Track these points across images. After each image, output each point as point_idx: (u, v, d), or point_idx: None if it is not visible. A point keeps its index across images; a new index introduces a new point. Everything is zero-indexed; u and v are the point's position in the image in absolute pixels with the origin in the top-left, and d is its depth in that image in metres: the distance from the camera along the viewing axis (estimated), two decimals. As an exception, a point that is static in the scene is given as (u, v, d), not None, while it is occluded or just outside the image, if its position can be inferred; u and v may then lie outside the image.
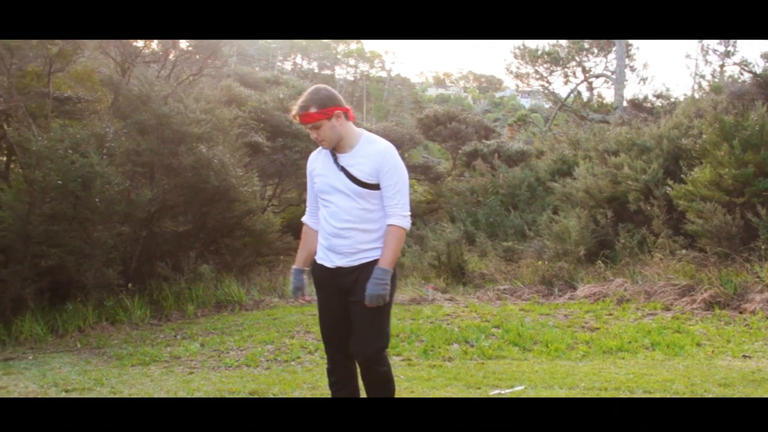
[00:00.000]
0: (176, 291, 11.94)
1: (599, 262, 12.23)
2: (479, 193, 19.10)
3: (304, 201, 4.60)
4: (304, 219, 4.72)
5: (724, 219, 10.74)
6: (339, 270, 4.40)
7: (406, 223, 4.39)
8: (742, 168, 10.92)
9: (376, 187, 4.33)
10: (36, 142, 10.55)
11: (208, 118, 13.09)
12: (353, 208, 4.34)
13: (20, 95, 11.70)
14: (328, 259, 4.46)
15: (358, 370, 4.49)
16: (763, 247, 10.31)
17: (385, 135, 21.18)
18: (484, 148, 23.23)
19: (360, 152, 4.38)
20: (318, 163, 4.53)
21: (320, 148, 4.53)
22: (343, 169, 4.34)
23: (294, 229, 18.75)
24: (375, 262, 4.35)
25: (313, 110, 4.24)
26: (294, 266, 4.67)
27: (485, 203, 18.12)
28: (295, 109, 4.30)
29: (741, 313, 9.32)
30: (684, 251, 11.25)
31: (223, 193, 12.84)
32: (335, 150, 4.41)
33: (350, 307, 4.40)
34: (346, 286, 4.40)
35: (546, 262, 12.87)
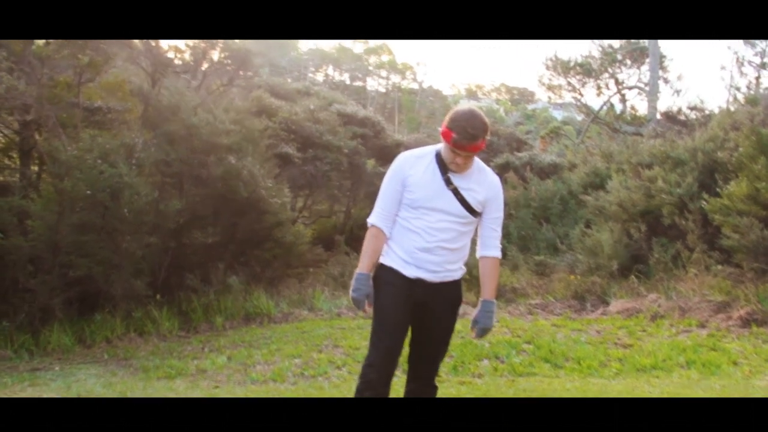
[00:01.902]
0: (205, 303, 11.87)
1: (632, 276, 12.04)
2: (511, 205, 18.87)
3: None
4: (376, 222, 4.32)
5: (761, 234, 10.50)
6: (418, 281, 4.23)
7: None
8: (779, 182, 10.71)
9: (479, 214, 4.31)
10: (65, 152, 10.55)
11: (237, 128, 13.08)
12: (451, 230, 4.22)
13: (51, 105, 11.72)
14: (408, 269, 4.25)
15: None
16: (801, 263, 10.10)
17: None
18: (516, 161, 23.02)
19: (473, 177, 4.27)
20: (417, 170, 4.25)
21: (418, 152, 4.36)
22: (455, 191, 4.19)
23: (325, 241, 18.67)
24: (454, 282, 4.35)
25: (481, 140, 4.05)
26: (361, 271, 4.25)
27: (517, 216, 17.92)
28: (460, 136, 4.01)
29: (780, 331, 9.10)
30: (720, 267, 11.04)
31: (253, 204, 12.78)
32: (450, 167, 4.21)
33: (426, 325, 4.34)
34: (421, 298, 4.25)
35: (578, 277, 12.70)
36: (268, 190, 12.97)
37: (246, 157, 12.95)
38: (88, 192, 10.42)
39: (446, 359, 8.18)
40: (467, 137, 3.99)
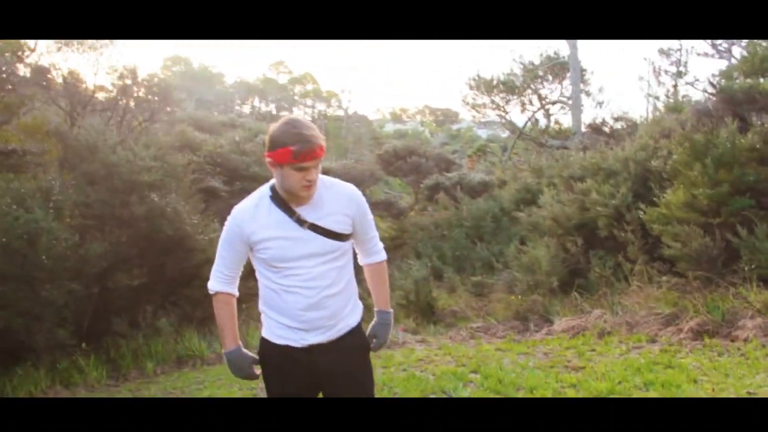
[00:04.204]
0: (134, 348, 11.31)
1: (574, 293, 11.78)
2: (443, 226, 18.78)
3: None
4: (221, 288, 3.78)
5: (702, 241, 10.33)
6: (312, 349, 3.61)
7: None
8: (716, 187, 10.56)
9: (350, 237, 3.71)
10: (-26, 199, 10.00)
11: (159, 165, 12.54)
12: (330, 270, 3.59)
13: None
14: (296, 339, 3.62)
15: None
16: (746, 268, 9.88)
17: (346, 172, 20.92)
18: (446, 181, 23.00)
19: (325, 199, 3.60)
20: (258, 223, 3.57)
21: (251, 202, 3.65)
22: (313, 227, 3.53)
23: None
24: (353, 330, 3.74)
25: (322, 141, 3.42)
26: (228, 349, 3.80)
27: (450, 236, 17.80)
28: (301, 145, 3.32)
29: (733, 341, 8.78)
30: (664, 278, 10.82)
31: (179, 242, 12.25)
32: (290, 203, 3.55)
33: (341, 392, 3.69)
34: (323, 366, 3.64)
35: (518, 296, 12.43)
36: (194, 227, 12.47)
37: (170, 193, 12.45)
38: (3, 240, 9.85)
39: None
40: (309, 142, 3.35)
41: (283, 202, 3.55)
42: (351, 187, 3.76)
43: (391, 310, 3.94)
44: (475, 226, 17.80)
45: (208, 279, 3.55)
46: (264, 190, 3.65)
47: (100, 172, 11.86)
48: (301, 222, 3.53)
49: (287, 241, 3.53)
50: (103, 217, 11.90)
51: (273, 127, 3.47)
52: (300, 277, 3.55)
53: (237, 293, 3.80)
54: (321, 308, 3.58)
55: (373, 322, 3.89)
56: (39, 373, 10.06)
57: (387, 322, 3.86)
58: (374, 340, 3.86)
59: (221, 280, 3.75)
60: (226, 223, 3.68)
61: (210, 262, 11.48)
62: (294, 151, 3.33)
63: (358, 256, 3.93)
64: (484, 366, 8.83)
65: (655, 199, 11.49)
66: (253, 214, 3.59)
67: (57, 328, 10.23)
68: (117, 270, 11.86)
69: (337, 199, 3.65)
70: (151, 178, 12.12)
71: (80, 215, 11.67)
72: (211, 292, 3.80)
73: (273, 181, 3.62)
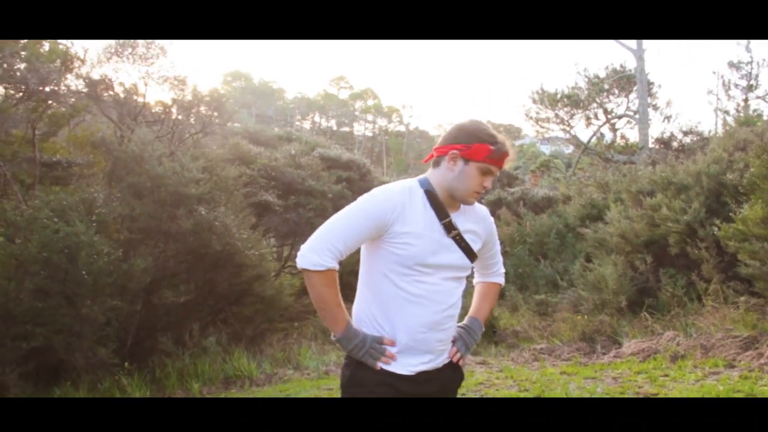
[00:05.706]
0: (179, 367, 10.88)
1: (644, 313, 11.09)
2: (506, 242, 18.17)
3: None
4: (332, 263, 3.00)
5: (783, 259, 9.61)
6: (419, 377, 3.14)
7: None
8: (797, 202, 9.85)
9: (476, 259, 3.31)
10: (14, 211, 9.64)
11: (207, 177, 12.12)
12: (456, 289, 3.20)
13: (6, 162, 10.91)
14: (403, 364, 3.12)
15: None
16: (831, 289, 9.16)
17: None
18: (508, 196, 22.43)
19: (466, 213, 3.26)
20: (411, 213, 3.07)
21: (404, 187, 3.13)
22: (457, 238, 3.15)
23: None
24: (452, 363, 3.29)
25: None
26: (344, 329, 3.08)
27: (512, 253, 17.20)
28: (499, 146, 3.07)
29: (819, 366, 8.09)
30: (741, 298, 10.09)
31: (228, 257, 11.83)
32: (466, 201, 3.20)
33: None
34: (423, 395, 3.17)
35: (584, 316, 11.78)
36: (244, 242, 12.03)
37: (218, 207, 12.03)
38: (43, 254, 9.49)
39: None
40: (506, 147, 3.11)
41: (438, 202, 3.15)
42: (484, 207, 3.43)
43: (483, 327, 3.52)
44: (538, 242, 17.24)
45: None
46: (412, 183, 3.19)
47: (147, 184, 11.50)
48: (449, 228, 3.14)
49: (433, 243, 3.09)
50: (149, 231, 11.54)
51: (463, 122, 3.18)
52: (430, 287, 3.10)
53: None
54: (441, 328, 3.16)
55: (460, 323, 3.40)
56: (79, 393, 9.70)
57: (477, 328, 3.43)
58: (458, 342, 3.33)
59: (334, 255, 3.03)
60: (368, 197, 3.10)
61: (261, 278, 10.82)
62: (493, 150, 3.08)
63: (476, 275, 3.61)
64: (548, 391, 8.21)
65: (730, 214, 10.77)
66: (406, 202, 3.10)
67: (98, 347, 9.87)
68: (163, 286, 11.48)
69: (473, 218, 3.30)
70: (199, 190, 11.71)
71: (126, 229, 11.31)
72: (317, 269, 3.01)
73: (422, 177, 3.23)
